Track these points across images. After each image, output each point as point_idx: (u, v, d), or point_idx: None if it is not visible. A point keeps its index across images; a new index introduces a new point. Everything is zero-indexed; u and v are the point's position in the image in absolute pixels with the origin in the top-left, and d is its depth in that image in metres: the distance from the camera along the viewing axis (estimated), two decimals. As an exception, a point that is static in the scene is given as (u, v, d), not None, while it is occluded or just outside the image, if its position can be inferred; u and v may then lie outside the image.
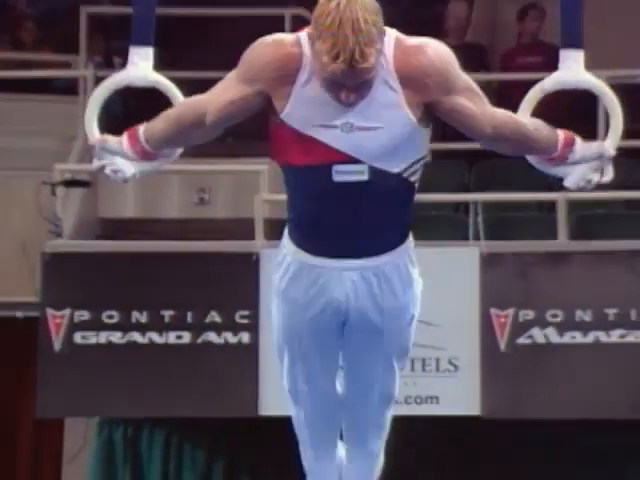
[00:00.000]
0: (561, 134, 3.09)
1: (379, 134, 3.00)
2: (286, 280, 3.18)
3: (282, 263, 3.19)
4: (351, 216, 3.09)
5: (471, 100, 3.03)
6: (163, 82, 3.47)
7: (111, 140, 3.15)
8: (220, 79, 3.04)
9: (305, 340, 3.17)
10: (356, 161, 3.01)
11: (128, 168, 3.14)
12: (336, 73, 2.81)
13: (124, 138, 3.14)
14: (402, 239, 3.14)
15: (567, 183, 3.14)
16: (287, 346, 3.20)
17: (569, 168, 3.10)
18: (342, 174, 3.01)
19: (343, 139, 2.98)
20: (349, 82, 2.82)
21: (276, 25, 7.44)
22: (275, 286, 3.21)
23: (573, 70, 3.32)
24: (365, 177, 3.00)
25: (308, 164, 3.03)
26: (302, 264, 3.13)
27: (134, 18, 3.49)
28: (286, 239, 3.18)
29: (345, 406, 3.27)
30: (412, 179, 3.06)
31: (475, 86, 3.07)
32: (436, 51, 2.99)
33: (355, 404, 3.27)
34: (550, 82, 3.34)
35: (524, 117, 3.18)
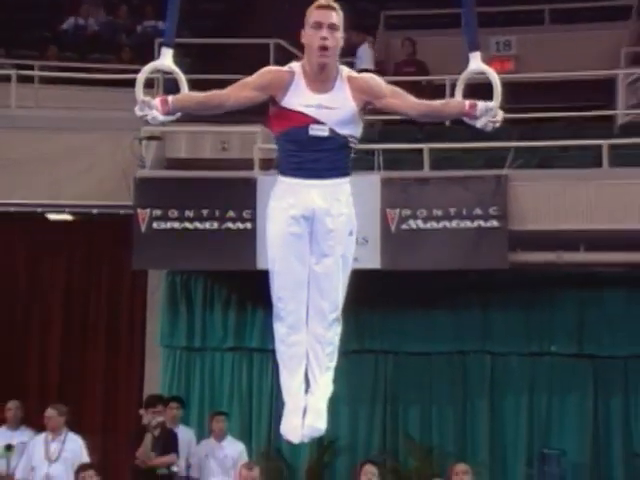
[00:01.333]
0: (467, 102, 4.20)
1: (336, 112, 4.17)
2: (277, 197, 4.23)
3: (275, 191, 4.26)
4: (317, 155, 4.18)
5: (395, 97, 4.19)
6: (176, 70, 4.43)
7: (150, 100, 4.16)
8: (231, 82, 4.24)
9: (286, 238, 4.13)
10: (323, 124, 4.16)
11: (158, 116, 4.14)
12: (319, 12, 4.08)
13: (157, 100, 4.15)
14: (345, 175, 4.24)
15: (478, 126, 4.25)
16: (274, 244, 4.17)
17: (478, 119, 4.23)
18: (314, 130, 4.15)
19: (317, 112, 4.17)
20: (325, 19, 4.09)
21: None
22: (270, 209, 4.23)
23: (477, 63, 4.44)
24: (326, 133, 4.14)
25: (294, 126, 4.14)
26: (287, 185, 4.21)
27: (164, 32, 4.56)
28: (279, 178, 4.25)
29: (310, 286, 4.15)
30: (351, 145, 4.22)
31: (396, 88, 4.20)
32: (367, 77, 4.24)
33: (318, 282, 4.17)
34: (469, 72, 4.46)
35: (456, 97, 4.28)
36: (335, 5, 4.16)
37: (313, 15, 4.15)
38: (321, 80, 4.20)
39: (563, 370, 10.96)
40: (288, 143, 4.26)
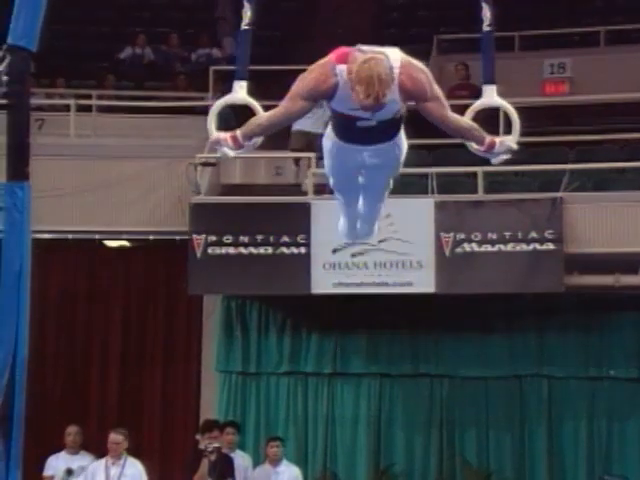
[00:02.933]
0: (488, 138, 4.29)
1: (384, 111, 4.17)
2: (333, 143, 4.40)
3: (329, 136, 4.43)
4: (368, 136, 4.29)
5: (436, 105, 4.21)
6: (252, 102, 4.56)
7: (221, 138, 4.28)
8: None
9: (343, 168, 4.44)
10: (369, 119, 4.24)
11: (229, 153, 4.33)
12: (366, 106, 4.05)
13: (228, 137, 4.26)
14: (395, 136, 4.30)
15: (493, 162, 4.47)
16: (333, 168, 4.44)
17: (491, 155, 4.41)
18: (362, 122, 4.26)
19: (364, 114, 4.20)
20: (373, 107, 4.07)
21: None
22: (327, 145, 4.42)
23: (492, 97, 4.56)
24: (374, 124, 4.24)
25: (345, 113, 4.21)
26: (339, 144, 4.39)
27: (236, 64, 4.66)
28: (331, 132, 4.40)
29: (363, 189, 4.56)
30: (398, 116, 4.28)
31: (441, 96, 4.21)
32: (421, 77, 4.15)
33: (370, 188, 4.54)
34: (479, 103, 4.60)
35: (468, 120, 4.33)
36: (385, 88, 4.02)
37: (360, 96, 4.03)
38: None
39: (623, 394, 10.81)
40: (337, 123, 4.36)
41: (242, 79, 4.55)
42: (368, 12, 14.32)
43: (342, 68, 4.11)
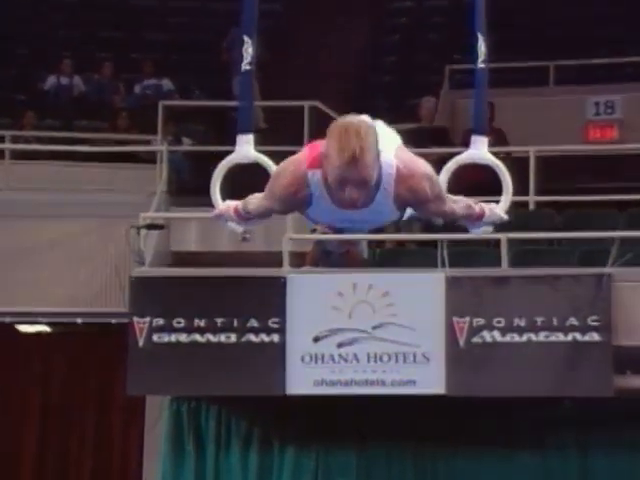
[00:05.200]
0: (477, 209, 4.41)
1: (375, 221, 4.42)
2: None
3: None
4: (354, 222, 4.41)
5: (436, 204, 4.28)
6: (262, 158, 4.65)
7: (224, 210, 4.46)
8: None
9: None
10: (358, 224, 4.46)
11: (238, 228, 4.57)
12: (342, 167, 3.97)
13: (232, 211, 4.44)
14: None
15: (474, 233, 4.64)
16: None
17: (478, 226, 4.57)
18: (346, 224, 4.46)
19: (350, 225, 4.47)
20: (352, 175, 3.98)
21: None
22: None
23: (480, 151, 4.57)
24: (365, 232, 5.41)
25: (326, 225, 4.99)
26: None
27: (239, 113, 4.67)
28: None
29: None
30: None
31: (442, 192, 4.30)
32: (422, 185, 4.19)
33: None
34: (463, 157, 4.64)
35: (463, 203, 4.41)
36: (364, 145, 4.03)
37: (333, 159, 4.06)
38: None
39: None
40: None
41: (247, 132, 4.65)
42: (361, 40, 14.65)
43: (316, 175, 4.19)
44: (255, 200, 4.41)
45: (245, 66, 4.65)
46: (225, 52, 13.85)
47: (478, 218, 4.51)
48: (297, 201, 4.26)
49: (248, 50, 4.65)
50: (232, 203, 4.48)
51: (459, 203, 4.46)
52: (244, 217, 4.46)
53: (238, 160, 4.68)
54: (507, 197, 4.62)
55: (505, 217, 4.53)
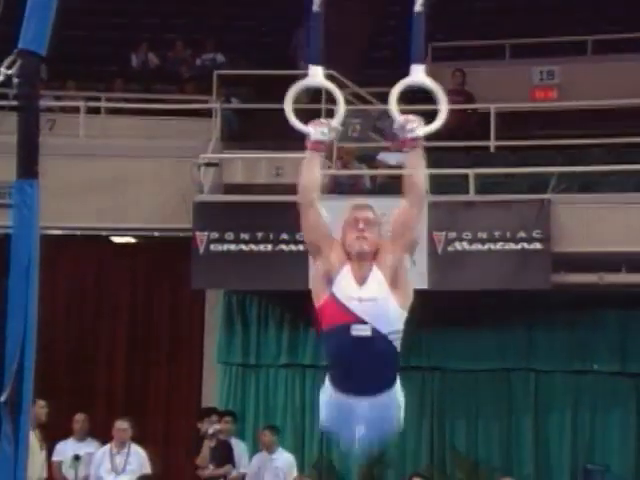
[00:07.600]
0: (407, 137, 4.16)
1: (376, 304, 4.05)
2: (329, 396, 4.25)
3: (325, 393, 4.26)
4: (362, 361, 4.03)
5: (408, 207, 4.36)
6: (330, 86, 4.38)
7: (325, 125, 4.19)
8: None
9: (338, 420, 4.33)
10: (364, 322, 4.04)
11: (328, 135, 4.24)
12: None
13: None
14: (392, 385, 4.15)
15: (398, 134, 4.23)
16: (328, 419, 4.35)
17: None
18: (357, 330, 4.02)
19: (358, 306, 4.05)
20: (361, 214, 4.17)
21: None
22: (324, 399, 4.28)
23: (420, 76, 4.28)
24: (369, 333, 4.01)
25: (339, 324, 4.01)
26: (336, 396, 4.20)
27: (310, 49, 4.40)
28: (328, 384, 4.16)
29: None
30: (394, 344, 4.09)
31: (403, 200, 4.34)
32: (384, 242, 4.16)
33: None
34: (407, 81, 4.30)
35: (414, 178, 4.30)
36: (370, 206, 4.16)
37: (350, 214, 4.14)
38: (359, 266, 4.15)
39: (606, 388, 10.81)
40: (333, 346, 4.15)
41: (316, 63, 4.33)
42: (364, 29, 14.33)
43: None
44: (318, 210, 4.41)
45: (315, 8, 4.32)
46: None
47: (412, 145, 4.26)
48: (335, 265, 4.16)
49: None
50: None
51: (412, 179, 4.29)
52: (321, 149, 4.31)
53: (310, 84, 4.38)
54: (442, 114, 4.27)
55: (439, 122, 4.25)
